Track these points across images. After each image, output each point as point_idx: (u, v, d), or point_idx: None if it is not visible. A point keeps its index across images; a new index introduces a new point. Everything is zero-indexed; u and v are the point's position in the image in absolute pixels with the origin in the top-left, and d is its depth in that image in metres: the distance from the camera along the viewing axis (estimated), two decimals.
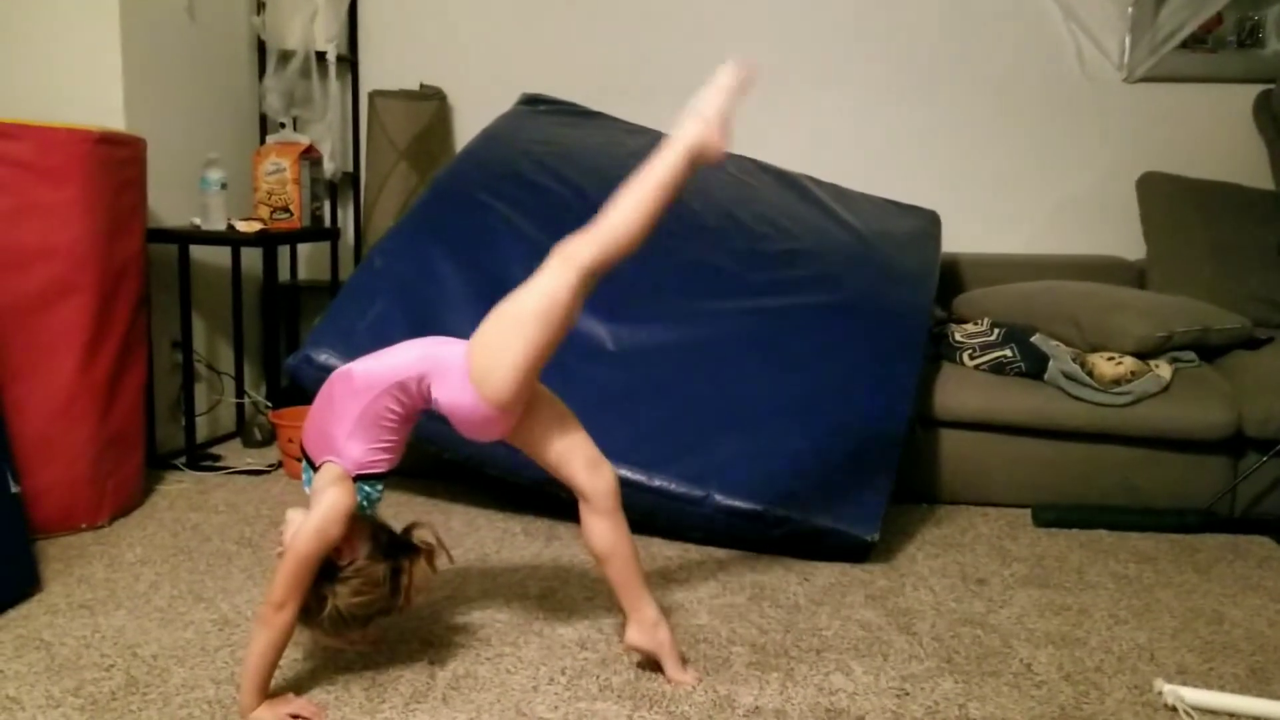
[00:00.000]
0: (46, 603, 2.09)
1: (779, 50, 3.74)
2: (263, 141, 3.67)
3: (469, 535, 2.54)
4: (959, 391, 2.85)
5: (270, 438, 3.32)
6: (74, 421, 2.47)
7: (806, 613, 2.13)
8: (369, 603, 1.69)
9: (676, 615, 2.07)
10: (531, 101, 3.50)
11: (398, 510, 1.83)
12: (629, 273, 2.71)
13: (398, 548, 1.74)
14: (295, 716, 1.65)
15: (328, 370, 2.52)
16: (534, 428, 1.77)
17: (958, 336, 3.04)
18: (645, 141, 2.11)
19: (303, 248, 3.93)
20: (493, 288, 1.71)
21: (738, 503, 2.39)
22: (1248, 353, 2.99)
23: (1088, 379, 2.79)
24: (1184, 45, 3.54)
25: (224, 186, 3.14)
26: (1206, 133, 3.61)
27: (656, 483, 2.39)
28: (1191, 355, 2.93)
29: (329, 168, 3.63)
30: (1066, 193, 3.71)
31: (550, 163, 3.02)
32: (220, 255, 3.41)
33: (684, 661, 1.84)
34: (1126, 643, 2.03)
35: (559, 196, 2.89)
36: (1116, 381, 2.76)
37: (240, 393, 3.52)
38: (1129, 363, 2.79)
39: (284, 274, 3.77)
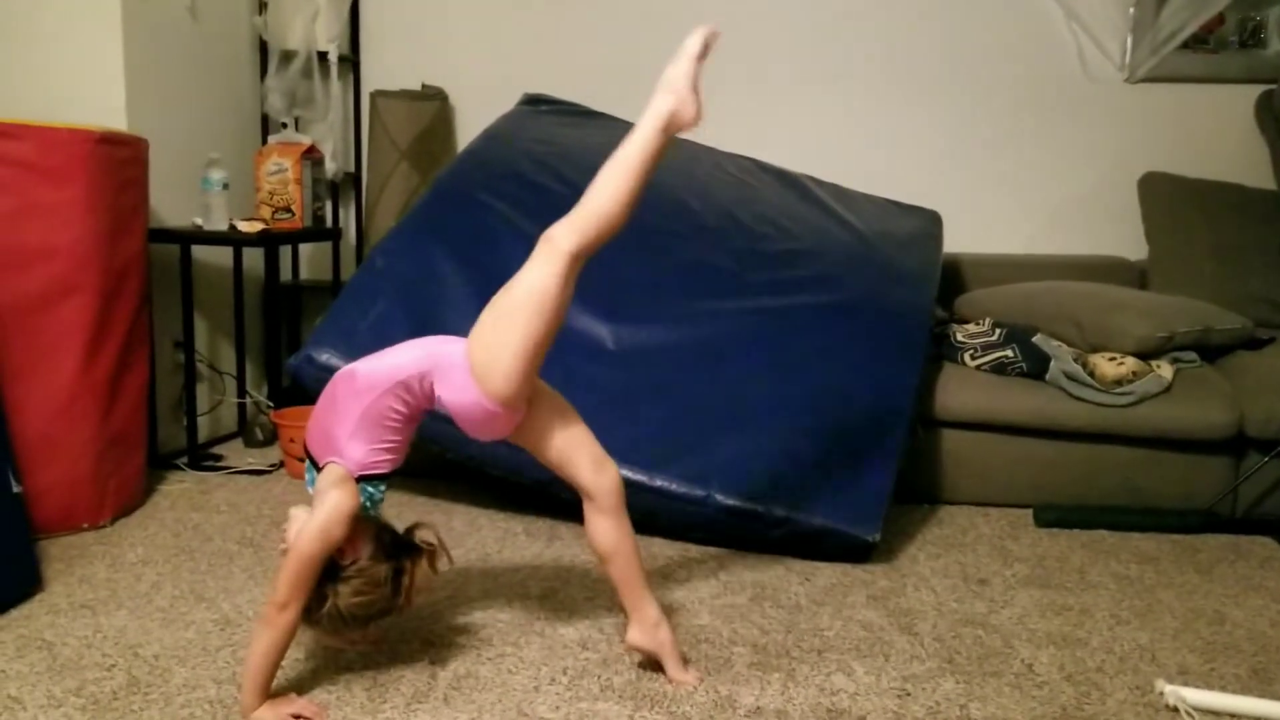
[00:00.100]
0: (48, 602, 2.09)
1: (780, 50, 3.74)
2: (264, 141, 3.68)
3: (470, 535, 2.54)
4: (960, 392, 2.85)
5: (272, 438, 3.33)
6: (75, 421, 2.48)
7: (808, 613, 2.13)
8: (370, 603, 1.69)
9: (677, 615, 2.07)
10: (533, 101, 3.51)
11: (399, 510, 1.83)
12: (630, 273, 2.74)
13: (400, 548, 1.74)
14: (297, 716, 1.65)
15: (329, 370, 2.53)
16: (537, 426, 1.77)
17: (959, 337, 3.05)
18: None
19: (304, 248, 3.93)
20: (494, 287, 1.71)
21: (738, 503, 2.39)
22: (1249, 353, 2.99)
23: (1089, 379, 2.79)
24: (1185, 45, 3.54)
25: (226, 186, 3.14)
26: (1208, 133, 3.61)
27: (657, 483, 2.39)
28: (1193, 355, 2.93)
29: (331, 168, 3.64)
30: (1068, 193, 3.71)
31: (551, 163, 3.03)
32: (222, 255, 3.41)
33: (685, 662, 1.84)
34: (1128, 643, 2.03)
35: (560, 196, 2.86)
36: (1118, 382, 2.76)
37: (242, 393, 3.52)
38: (1130, 363, 2.79)
39: (285, 274, 3.78)
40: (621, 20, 3.76)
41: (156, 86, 3.13)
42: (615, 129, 3.36)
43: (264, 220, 3.26)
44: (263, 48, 3.72)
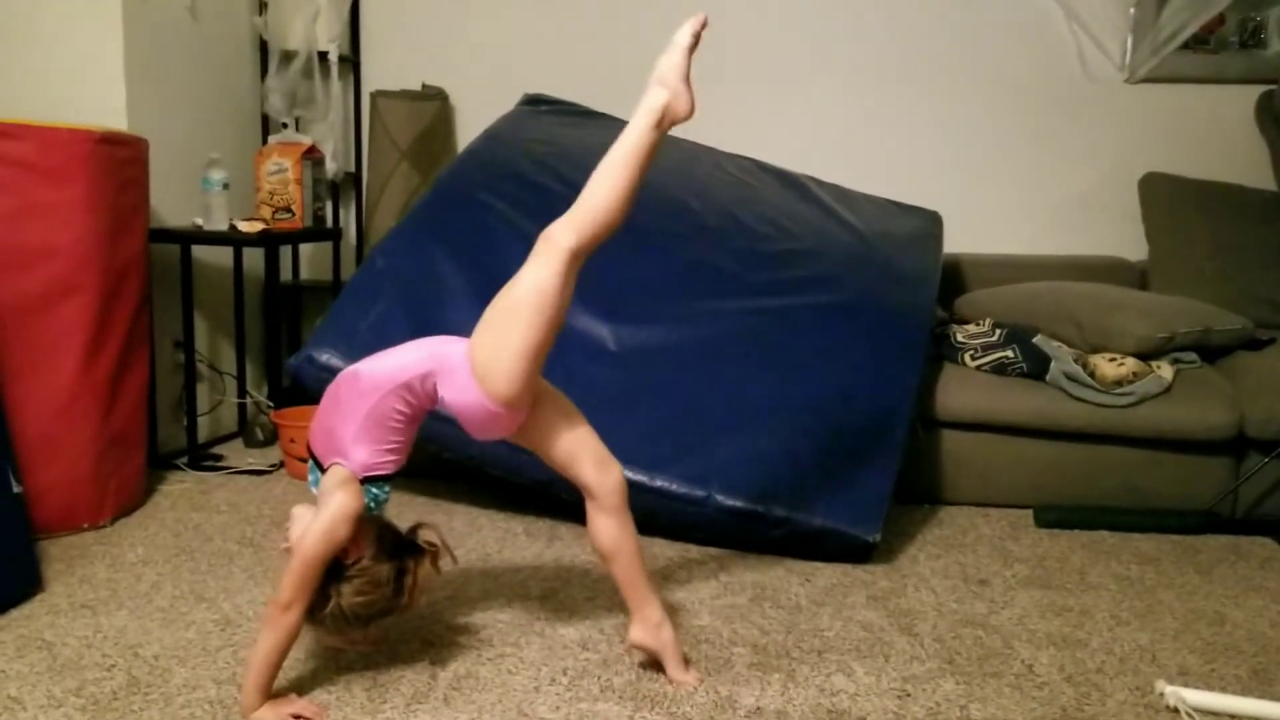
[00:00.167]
0: (48, 603, 2.09)
1: (780, 50, 3.74)
2: (265, 142, 3.68)
3: (471, 535, 2.54)
4: (961, 392, 2.85)
5: (272, 438, 3.33)
6: (76, 421, 2.48)
7: (808, 614, 2.13)
8: (372, 602, 1.70)
9: (678, 616, 2.07)
10: (533, 102, 3.51)
11: (400, 510, 1.83)
12: (630, 273, 2.74)
13: (402, 548, 1.74)
14: (297, 717, 1.65)
15: (329, 370, 2.53)
16: (541, 426, 1.76)
17: (959, 337, 3.04)
18: None
19: (304, 248, 3.93)
20: (494, 288, 1.71)
21: (739, 503, 2.39)
22: (1249, 354, 2.99)
23: (1089, 380, 2.79)
24: (1186, 46, 3.54)
25: (226, 186, 3.14)
26: (1208, 133, 3.61)
27: (658, 483, 2.39)
28: (1193, 356, 2.93)
29: (331, 168, 3.64)
30: (1068, 193, 3.71)
31: (552, 163, 3.03)
32: (222, 255, 3.41)
33: (686, 662, 1.84)
34: (1128, 644, 2.03)
35: (560, 196, 2.85)
36: (1118, 382, 2.76)
37: (242, 393, 3.52)
38: (1130, 363, 2.79)
39: (286, 274, 3.78)
40: (621, 20, 3.76)
41: (157, 86, 3.13)
42: (615, 129, 3.35)
43: (264, 220, 3.26)
44: (263, 48, 3.73)
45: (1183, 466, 2.77)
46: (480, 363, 1.67)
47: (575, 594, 2.19)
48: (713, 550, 2.47)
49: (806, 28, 3.73)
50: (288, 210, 3.35)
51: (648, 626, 1.81)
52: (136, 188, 2.68)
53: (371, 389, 1.69)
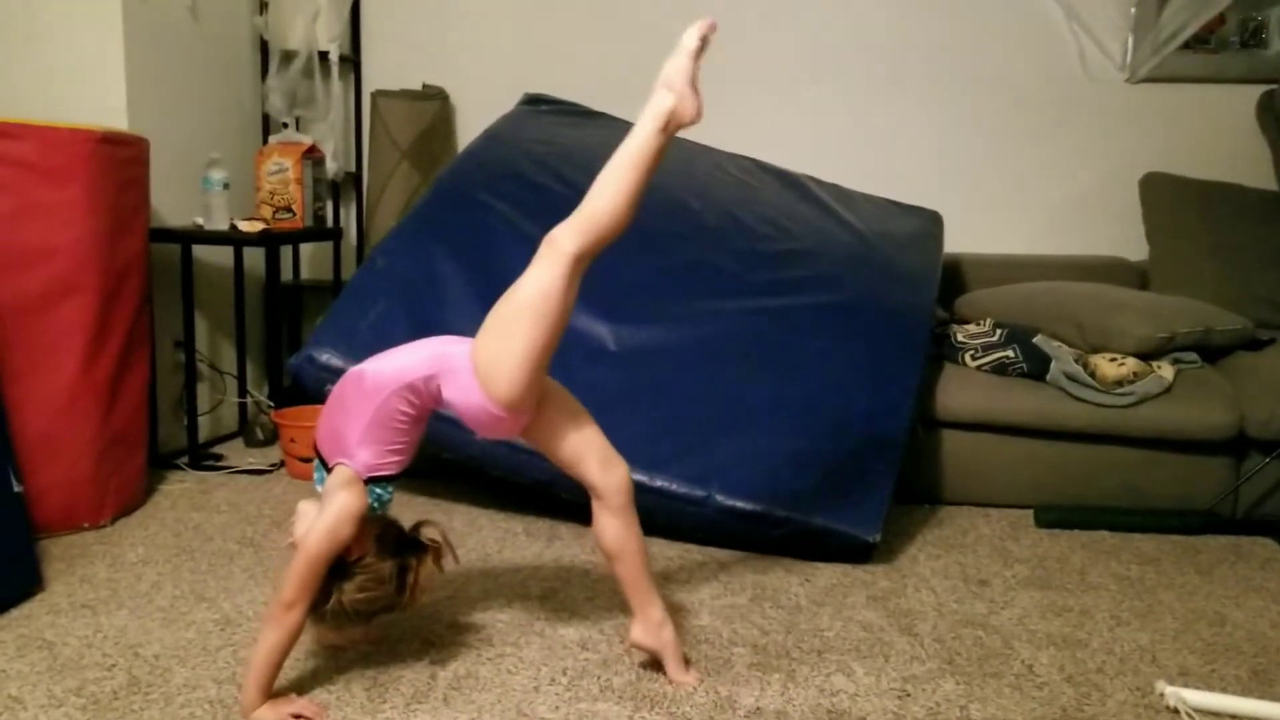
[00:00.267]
0: (49, 602, 2.09)
1: (780, 50, 3.74)
2: (265, 141, 3.68)
3: (471, 535, 2.54)
4: (961, 392, 2.85)
5: (272, 437, 3.33)
6: (76, 421, 2.48)
7: (808, 614, 2.13)
8: (374, 599, 1.71)
9: (678, 616, 2.07)
10: (533, 101, 3.51)
11: (400, 510, 1.83)
12: (630, 273, 2.74)
13: (405, 546, 1.75)
14: (297, 716, 1.65)
15: (330, 370, 2.54)
16: (547, 426, 1.76)
17: (960, 337, 3.04)
18: None
19: (305, 247, 3.93)
20: (495, 288, 1.71)
21: (739, 503, 2.39)
22: (1250, 354, 2.99)
23: (1090, 380, 2.79)
24: (1186, 46, 3.53)
25: (226, 186, 3.14)
26: (1209, 133, 3.61)
27: (658, 483, 2.39)
28: (1193, 356, 2.93)
29: (331, 168, 3.64)
30: (1068, 193, 3.71)
31: (552, 163, 3.03)
32: (223, 255, 3.41)
33: (686, 662, 1.84)
34: (1128, 644, 2.02)
35: (560, 197, 2.88)
36: (1119, 382, 2.76)
37: (242, 392, 3.52)
38: (1131, 364, 2.79)
39: (286, 274, 3.78)
40: (621, 20, 3.76)
41: (157, 86, 3.13)
42: (615, 129, 3.37)
43: (265, 220, 3.26)
44: (263, 48, 3.73)
45: (1183, 467, 2.77)
46: (483, 366, 1.67)
47: (575, 594, 2.19)
48: (713, 550, 2.47)
49: (807, 28, 3.73)
50: (288, 210, 3.35)
51: (649, 626, 1.81)
52: (137, 187, 2.68)
53: (376, 390, 1.70)
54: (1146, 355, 2.85)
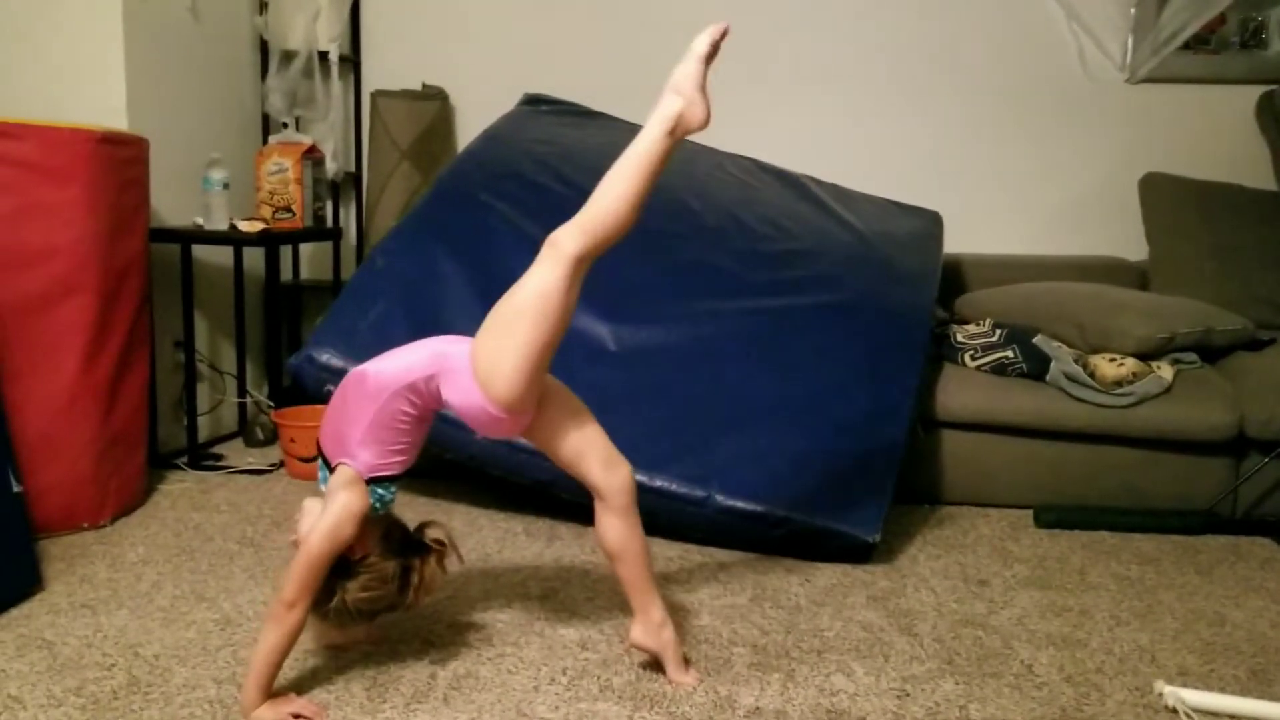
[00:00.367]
0: (48, 602, 2.09)
1: (781, 50, 3.74)
2: (265, 141, 3.68)
3: (471, 535, 2.54)
4: (961, 392, 2.85)
5: (272, 437, 3.33)
6: (76, 421, 2.48)
7: (808, 614, 2.13)
8: (377, 598, 1.72)
9: (678, 616, 2.07)
10: (534, 102, 3.51)
11: (400, 510, 1.84)
12: (630, 273, 2.74)
13: (410, 546, 1.75)
14: (297, 716, 1.65)
15: (330, 370, 2.54)
16: (548, 425, 1.76)
17: (959, 337, 3.04)
18: None
19: (305, 247, 3.93)
20: (495, 288, 1.71)
21: (739, 503, 2.39)
22: (1250, 354, 2.99)
23: (1089, 380, 2.79)
24: (1186, 46, 3.54)
25: (226, 186, 3.14)
26: (1209, 134, 3.61)
27: (658, 483, 2.39)
28: (1193, 356, 2.93)
29: (331, 168, 3.64)
30: (1068, 193, 3.71)
31: (552, 163, 3.03)
32: (222, 255, 3.41)
33: (686, 662, 1.84)
34: (1128, 644, 2.03)
35: (561, 197, 2.89)
36: (1118, 383, 2.76)
37: (242, 392, 3.52)
38: (1130, 364, 2.79)
39: (286, 274, 3.78)
40: (622, 20, 3.77)
41: (157, 86, 3.13)
42: (616, 129, 3.39)
43: (264, 220, 3.26)
44: (263, 48, 3.73)
45: (1183, 467, 2.77)
46: (482, 367, 1.67)
47: (575, 594, 2.19)
48: (713, 550, 2.47)
49: (808, 28, 3.73)
50: (288, 210, 3.35)
51: (650, 627, 1.81)
52: (137, 187, 2.68)
53: (378, 390, 1.70)
54: (1146, 355, 2.85)
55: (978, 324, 3.08)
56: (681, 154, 3.22)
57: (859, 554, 2.41)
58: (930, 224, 3.42)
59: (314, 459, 1.81)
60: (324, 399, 1.84)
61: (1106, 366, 2.79)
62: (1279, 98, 3.48)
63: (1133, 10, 3.56)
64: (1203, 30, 3.52)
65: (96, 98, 2.94)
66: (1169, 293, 3.25)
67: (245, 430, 3.41)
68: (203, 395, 3.36)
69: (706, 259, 2.88)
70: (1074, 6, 3.58)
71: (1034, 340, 2.92)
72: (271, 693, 1.67)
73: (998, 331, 2.99)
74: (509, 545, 2.49)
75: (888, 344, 2.73)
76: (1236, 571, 2.45)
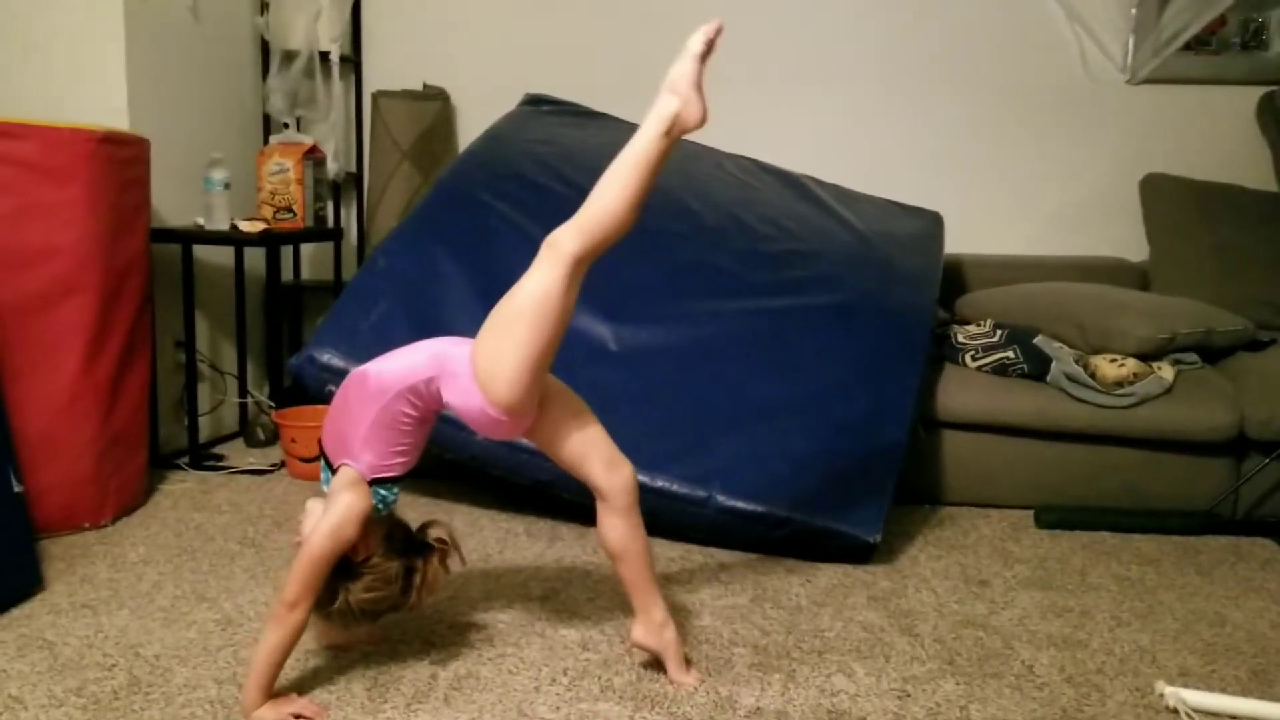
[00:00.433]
0: (49, 602, 2.09)
1: (782, 50, 3.74)
2: (266, 141, 3.68)
3: (472, 536, 2.54)
4: (961, 393, 2.85)
5: (273, 437, 3.33)
6: (77, 421, 2.48)
7: (808, 614, 2.13)
8: (380, 599, 1.72)
9: (679, 616, 2.06)
10: (535, 102, 3.51)
11: (402, 510, 1.84)
12: (631, 274, 2.74)
13: (412, 546, 1.75)
14: (298, 716, 1.65)
15: (331, 370, 2.54)
16: (550, 426, 1.76)
17: (960, 338, 3.04)
18: None
19: (306, 248, 3.93)
20: (496, 288, 1.71)
21: (740, 504, 2.39)
22: (1250, 354, 2.99)
23: (1090, 380, 2.79)
24: (1187, 47, 3.54)
25: (227, 186, 3.14)
26: (1210, 134, 3.61)
27: (659, 484, 2.39)
28: (1194, 357, 2.93)
29: (332, 168, 3.64)
30: (1069, 194, 3.71)
31: (553, 163, 3.03)
32: (223, 255, 3.41)
33: (687, 662, 1.84)
34: (1128, 645, 2.03)
35: (562, 197, 2.89)
36: (1119, 383, 2.76)
37: (243, 392, 3.52)
38: (1131, 364, 2.79)
39: (287, 274, 3.78)
40: (623, 20, 3.77)
41: (158, 86, 3.13)
42: (617, 129, 3.39)
43: (265, 220, 3.26)
44: (264, 48, 3.73)
45: (1183, 467, 2.77)
46: (482, 369, 1.67)
47: (576, 594, 2.19)
48: (713, 551, 2.47)
49: (809, 29, 3.73)
50: (289, 210, 3.35)
51: (651, 627, 1.81)
52: (138, 187, 2.68)
53: (379, 392, 1.70)
54: (1147, 356, 2.85)
55: (978, 324, 3.08)
56: (682, 154, 3.24)
57: (860, 554, 2.41)
58: (931, 224, 3.42)
59: (315, 459, 1.81)
60: (325, 399, 1.84)
61: (1107, 367, 2.79)
62: (1279, 98, 3.48)
63: (1134, 11, 3.56)
64: (1203, 31, 3.52)
65: (97, 98, 2.94)
66: (1170, 293, 3.25)
67: (246, 430, 3.41)
68: (204, 395, 3.36)
69: (707, 259, 2.88)
70: (1075, 7, 3.58)
71: (1035, 341, 2.92)
72: (273, 693, 1.67)
73: (998, 332, 2.99)
74: (510, 546, 2.49)
75: (888, 344, 2.73)
76: (1237, 572, 2.45)
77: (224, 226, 3.12)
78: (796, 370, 2.63)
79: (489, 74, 3.82)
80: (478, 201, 2.88)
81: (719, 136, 3.40)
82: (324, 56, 3.67)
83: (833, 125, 3.77)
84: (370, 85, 3.84)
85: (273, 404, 3.36)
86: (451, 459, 2.55)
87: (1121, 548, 2.59)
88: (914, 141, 3.74)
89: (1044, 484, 2.82)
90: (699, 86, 1.65)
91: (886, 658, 1.94)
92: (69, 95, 2.91)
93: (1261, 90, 3.54)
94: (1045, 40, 3.64)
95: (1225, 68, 3.58)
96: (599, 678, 1.83)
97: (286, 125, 3.67)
